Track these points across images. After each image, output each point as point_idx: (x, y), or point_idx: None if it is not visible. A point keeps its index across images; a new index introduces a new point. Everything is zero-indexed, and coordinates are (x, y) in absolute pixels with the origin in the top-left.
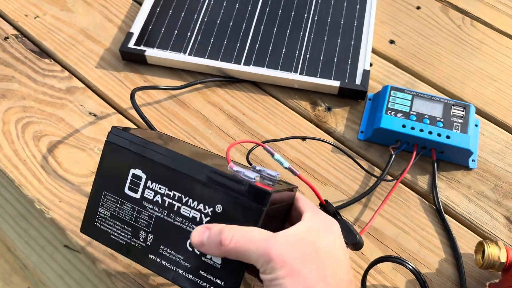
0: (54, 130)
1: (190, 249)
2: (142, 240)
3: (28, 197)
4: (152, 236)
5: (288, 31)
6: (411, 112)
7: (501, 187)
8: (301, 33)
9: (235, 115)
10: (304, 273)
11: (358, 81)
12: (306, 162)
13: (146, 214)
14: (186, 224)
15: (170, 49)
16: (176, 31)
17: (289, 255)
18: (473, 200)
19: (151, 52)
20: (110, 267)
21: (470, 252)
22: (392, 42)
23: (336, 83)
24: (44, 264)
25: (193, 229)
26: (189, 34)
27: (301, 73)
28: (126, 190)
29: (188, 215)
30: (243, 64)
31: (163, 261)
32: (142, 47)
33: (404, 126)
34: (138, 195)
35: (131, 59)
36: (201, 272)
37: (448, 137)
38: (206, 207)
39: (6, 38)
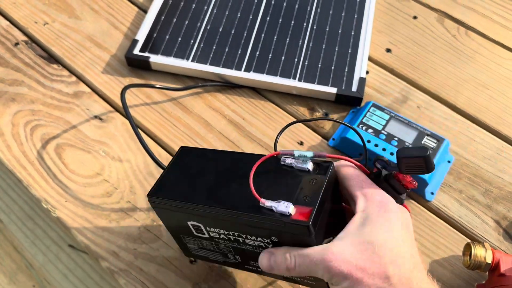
0: (61, 132)
1: None
2: (233, 259)
3: (35, 196)
4: (239, 257)
5: (288, 39)
6: (382, 131)
7: (491, 192)
8: (300, 41)
9: (236, 120)
10: (366, 280)
11: (354, 88)
12: None
13: (223, 244)
14: (257, 249)
15: (173, 55)
16: (179, 39)
17: (348, 267)
18: (464, 204)
19: (156, 59)
20: (113, 265)
21: (460, 254)
22: (388, 50)
23: (333, 90)
24: (49, 264)
25: (263, 245)
26: (192, 41)
27: (299, 80)
28: (195, 233)
29: (254, 244)
30: (244, 71)
31: (258, 268)
32: (146, 54)
33: (369, 141)
34: (207, 235)
35: (136, 65)
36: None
37: None
38: (264, 239)
39: (17, 44)
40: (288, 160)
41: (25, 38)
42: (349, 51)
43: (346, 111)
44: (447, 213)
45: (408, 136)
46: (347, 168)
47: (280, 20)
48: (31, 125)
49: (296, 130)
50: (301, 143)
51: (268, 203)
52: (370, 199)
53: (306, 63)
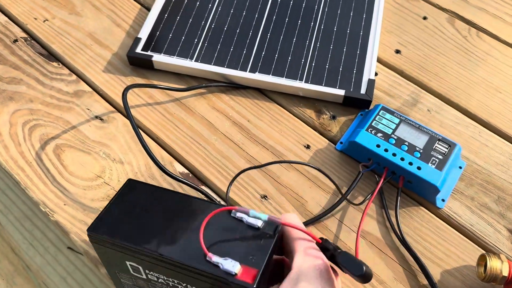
0: (61, 133)
1: None
2: None
3: (33, 199)
4: None
5: (294, 39)
6: (392, 135)
7: (504, 199)
8: (307, 41)
9: (240, 122)
10: None
11: (363, 90)
12: (310, 169)
13: (160, 286)
14: None
15: (177, 55)
16: (183, 37)
17: None
18: (476, 212)
19: (158, 58)
20: None
21: (472, 264)
22: (398, 51)
23: (341, 92)
24: (47, 266)
25: None
26: (196, 40)
27: (306, 81)
28: (132, 272)
29: None
30: (249, 71)
31: None
32: (149, 53)
33: (378, 146)
34: (144, 277)
35: (138, 64)
36: None
37: (419, 168)
38: None
39: (15, 40)
40: (239, 214)
41: (24, 35)
42: (358, 51)
43: (354, 113)
44: (458, 221)
45: (419, 141)
46: (293, 223)
47: (287, 20)
48: (29, 125)
49: (303, 133)
50: (308, 147)
51: (215, 258)
52: (306, 257)
53: (313, 64)
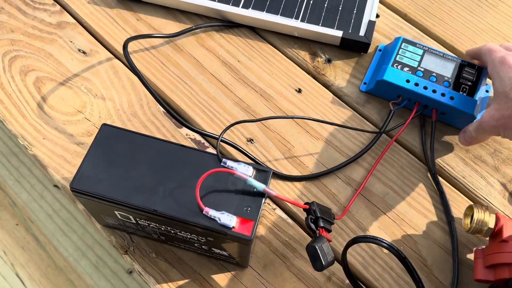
0: (42, 65)
1: (202, 247)
2: (157, 237)
3: (11, 132)
4: (164, 237)
5: None
6: (419, 68)
7: (501, 153)
8: None
9: (230, 62)
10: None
11: (362, 32)
12: (300, 115)
13: (150, 229)
14: (187, 238)
15: None
16: None
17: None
18: (470, 164)
19: None
20: None
21: (460, 216)
22: None
23: (339, 33)
24: (33, 203)
25: (196, 239)
26: None
27: (302, 20)
28: (120, 218)
29: (185, 236)
30: (242, 7)
31: (181, 245)
32: None
33: (408, 81)
34: (134, 221)
35: None
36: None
37: (452, 98)
38: (200, 238)
39: None
40: (230, 164)
41: None
42: None
43: (351, 58)
44: (450, 173)
45: (446, 70)
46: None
47: None
48: (9, 56)
49: (295, 76)
50: (299, 91)
51: (211, 212)
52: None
53: (311, 2)
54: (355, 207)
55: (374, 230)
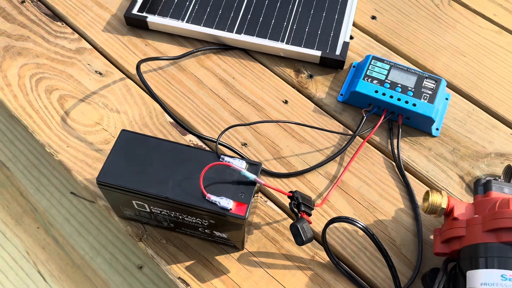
0: (64, 85)
1: (205, 230)
2: (167, 225)
3: (39, 142)
4: (173, 224)
5: (278, 4)
6: (386, 80)
7: (459, 150)
8: (290, 6)
9: (226, 79)
10: None
11: (338, 51)
12: (287, 123)
13: (161, 217)
14: (193, 223)
15: (170, 16)
16: (176, 0)
17: None
18: (432, 160)
19: (153, 19)
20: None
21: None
22: (373, 18)
23: (318, 53)
24: (52, 208)
25: (200, 223)
26: (187, 3)
27: (287, 43)
28: (137, 207)
29: (192, 220)
30: (235, 33)
31: (188, 231)
32: (144, 14)
33: (376, 91)
34: (148, 210)
35: (135, 24)
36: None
37: (414, 105)
38: (203, 221)
39: (23, 2)
40: (227, 159)
41: None
42: (336, 17)
43: (330, 73)
44: (415, 168)
45: (409, 81)
46: None
47: None
48: (36, 77)
49: (282, 90)
50: (286, 102)
51: (213, 198)
52: None
53: (294, 27)
54: (334, 198)
55: (351, 216)
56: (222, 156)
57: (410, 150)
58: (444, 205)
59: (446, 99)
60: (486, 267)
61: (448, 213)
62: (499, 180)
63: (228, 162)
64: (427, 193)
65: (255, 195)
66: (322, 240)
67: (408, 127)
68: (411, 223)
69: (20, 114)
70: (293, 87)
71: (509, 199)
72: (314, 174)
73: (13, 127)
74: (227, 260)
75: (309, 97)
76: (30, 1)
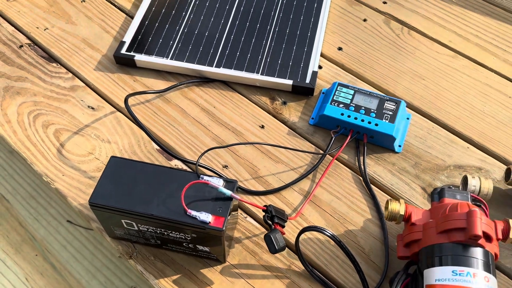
0: (60, 120)
1: (189, 245)
2: (154, 242)
3: (37, 172)
4: (160, 241)
5: (254, 39)
6: (351, 104)
7: (420, 164)
8: (264, 41)
9: (207, 108)
10: None
11: (308, 80)
12: (263, 146)
13: (149, 234)
14: (178, 238)
15: (155, 54)
16: (161, 40)
17: None
18: (396, 174)
19: (140, 57)
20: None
21: None
22: (340, 49)
23: (290, 82)
24: (50, 236)
25: (184, 238)
26: (171, 42)
27: (262, 74)
28: (126, 226)
29: (176, 236)
30: (215, 66)
31: (174, 247)
32: (132, 53)
33: (342, 114)
34: (136, 228)
35: (123, 63)
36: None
37: (376, 124)
38: (186, 236)
39: (21, 46)
40: (206, 178)
41: (28, 41)
42: (305, 49)
43: (302, 100)
44: (380, 181)
45: (372, 104)
46: None
47: (248, 24)
48: (33, 114)
49: (259, 116)
50: (262, 127)
51: (193, 213)
52: None
53: (268, 60)
54: (308, 211)
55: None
56: (201, 175)
57: (376, 166)
58: (402, 212)
59: (407, 118)
60: (440, 265)
61: (406, 219)
62: (453, 188)
63: (206, 180)
64: (387, 202)
65: (235, 212)
66: (295, 248)
67: (373, 145)
68: (378, 231)
69: (19, 147)
70: (269, 113)
71: (458, 203)
72: (289, 191)
73: (12, 162)
74: (210, 272)
75: (284, 122)
76: (27, 45)
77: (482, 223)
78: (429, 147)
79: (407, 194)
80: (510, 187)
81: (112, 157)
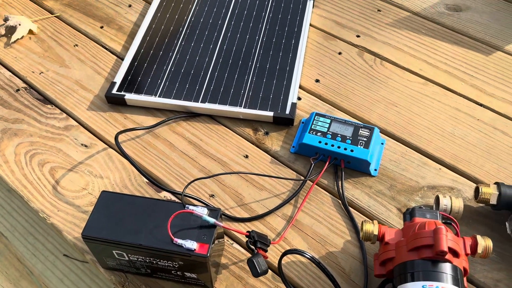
0: (55, 158)
1: (177, 272)
2: (144, 271)
3: (34, 208)
4: (149, 270)
5: (236, 75)
6: (328, 132)
7: (395, 186)
8: (246, 76)
9: (194, 141)
10: None
11: (287, 111)
12: (247, 174)
13: (139, 263)
14: (166, 266)
15: (144, 93)
16: (149, 79)
17: None
18: (373, 196)
19: (130, 96)
20: None
21: None
22: (317, 81)
23: (271, 114)
24: (47, 271)
25: (172, 266)
26: (159, 81)
27: (245, 107)
28: (117, 257)
29: (164, 264)
30: (201, 102)
31: (163, 275)
32: (122, 93)
33: (320, 142)
34: (126, 258)
35: (114, 102)
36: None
37: (352, 150)
38: (174, 263)
39: (18, 90)
40: (191, 207)
41: (24, 85)
42: (285, 82)
43: (283, 129)
44: (358, 204)
45: (347, 131)
46: None
47: (230, 61)
48: (30, 154)
49: (243, 147)
50: (247, 156)
51: (179, 241)
52: None
53: (250, 94)
54: (291, 235)
55: (306, 251)
56: (186, 205)
57: (353, 189)
58: (376, 232)
59: (382, 143)
60: (412, 281)
61: (381, 239)
62: (424, 208)
63: (191, 209)
64: (362, 224)
65: (221, 239)
66: (278, 271)
67: (351, 170)
68: (357, 252)
69: (17, 186)
70: (253, 143)
71: (426, 222)
72: (273, 216)
73: (11, 200)
74: None
75: (266, 151)
76: (24, 89)
77: (448, 240)
78: (403, 169)
79: (383, 215)
80: (480, 204)
81: (103, 191)
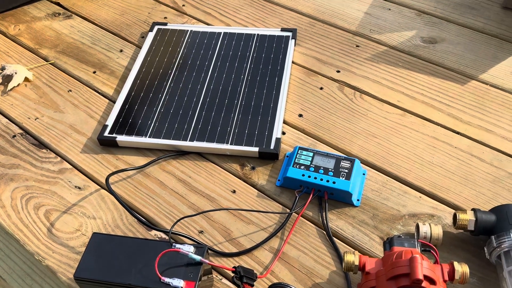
0: (49, 201)
1: None
2: None
3: (29, 251)
4: None
5: (223, 113)
6: (311, 165)
7: (378, 216)
8: (232, 114)
9: (183, 178)
10: None
11: (272, 146)
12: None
13: None
14: None
15: (135, 134)
16: (139, 121)
17: None
18: (356, 226)
19: (121, 138)
20: None
21: None
22: (300, 115)
23: (256, 149)
24: None
25: None
26: (149, 122)
27: (231, 144)
28: None
29: None
30: (189, 140)
31: None
32: (114, 135)
33: (303, 175)
34: None
35: (106, 144)
36: None
37: (334, 182)
38: None
39: (14, 136)
40: (177, 246)
41: (20, 131)
42: (269, 118)
43: (268, 164)
44: (342, 234)
45: (329, 164)
46: None
47: (217, 100)
48: (26, 198)
49: (230, 182)
50: (234, 191)
51: (166, 279)
52: None
53: (236, 131)
54: (278, 268)
55: (292, 283)
56: (174, 244)
57: (338, 220)
58: (356, 262)
59: (364, 174)
60: None
61: (362, 268)
62: (402, 237)
63: (178, 248)
64: (343, 254)
65: (210, 275)
66: None
67: (334, 201)
68: (342, 282)
69: (13, 230)
70: (240, 178)
71: (403, 251)
72: (261, 250)
73: (9, 242)
74: None
75: (253, 185)
76: (20, 135)
77: (423, 268)
78: (385, 199)
79: (367, 244)
80: (460, 230)
81: (94, 233)
